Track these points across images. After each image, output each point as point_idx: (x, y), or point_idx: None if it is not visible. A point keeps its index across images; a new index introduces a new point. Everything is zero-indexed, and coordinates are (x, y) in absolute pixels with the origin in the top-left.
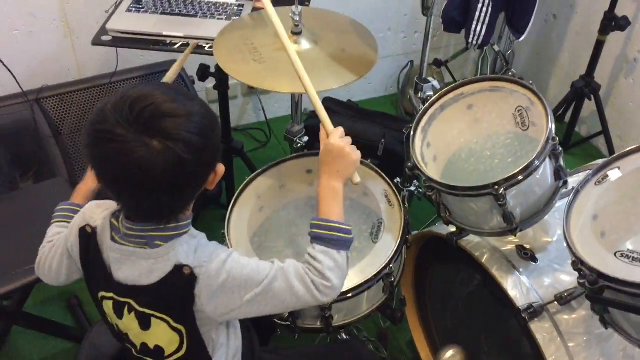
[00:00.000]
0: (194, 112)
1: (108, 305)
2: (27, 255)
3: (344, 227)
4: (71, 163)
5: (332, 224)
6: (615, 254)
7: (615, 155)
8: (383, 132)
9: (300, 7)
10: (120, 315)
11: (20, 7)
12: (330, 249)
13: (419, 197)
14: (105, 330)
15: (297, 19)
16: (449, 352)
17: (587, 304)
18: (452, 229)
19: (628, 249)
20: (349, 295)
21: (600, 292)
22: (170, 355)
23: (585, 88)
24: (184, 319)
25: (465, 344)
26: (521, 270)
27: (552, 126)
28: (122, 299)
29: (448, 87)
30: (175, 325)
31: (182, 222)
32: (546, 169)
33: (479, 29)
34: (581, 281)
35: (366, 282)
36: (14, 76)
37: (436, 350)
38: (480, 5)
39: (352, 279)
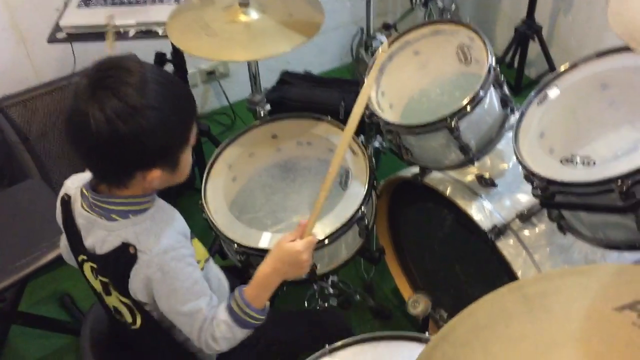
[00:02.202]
0: (142, 111)
1: (87, 268)
2: (14, 253)
3: (257, 318)
4: (43, 166)
5: (250, 311)
6: (560, 161)
7: (551, 75)
8: (342, 96)
9: None
10: (95, 277)
11: None
12: (238, 326)
13: (383, 152)
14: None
15: None
16: (411, 299)
17: (546, 219)
18: (416, 170)
19: (572, 154)
20: (327, 241)
21: (552, 198)
22: (132, 324)
23: (527, 30)
24: (126, 294)
25: (443, 279)
26: (483, 195)
27: (492, 57)
28: (91, 263)
29: (393, 37)
30: (122, 299)
31: (138, 198)
32: (492, 98)
33: None
34: (535, 192)
35: (341, 227)
36: None
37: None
38: None
39: (328, 226)
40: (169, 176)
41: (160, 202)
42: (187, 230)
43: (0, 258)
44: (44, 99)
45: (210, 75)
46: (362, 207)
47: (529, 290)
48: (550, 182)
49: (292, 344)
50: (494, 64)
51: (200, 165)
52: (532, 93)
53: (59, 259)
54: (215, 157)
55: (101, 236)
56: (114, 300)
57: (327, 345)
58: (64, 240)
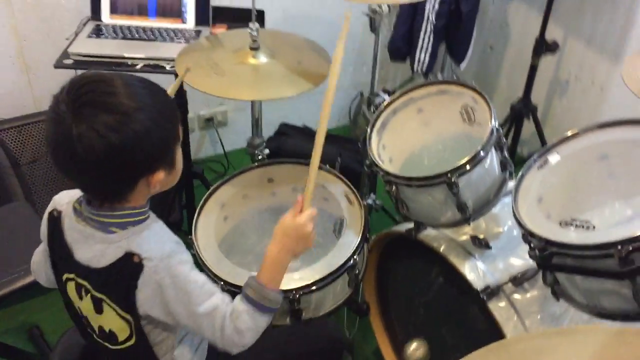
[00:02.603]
0: (133, 115)
1: (71, 287)
2: None
3: (276, 297)
4: (30, 192)
5: (267, 292)
6: (560, 224)
7: (553, 142)
8: (339, 151)
9: (257, 24)
10: (80, 297)
11: None
12: (257, 312)
13: (376, 209)
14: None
15: (255, 34)
16: (413, 345)
17: (539, 285)
18: (410, 225)
19: (571, 218)
20: (316, 287)
21: (549, 259)
22: (124, 342)
23: (523, 109)
24: (129, 308)
25: (429, 341)
26: (477, 256)
27: (495, 120)
28: (80, 280)
29: (398, 93)
30: (123, 314)
31: (135, 209)
32: (493, 160)
33: (422, 56)
34: (532, 253)
35: (332, 273)
36: None
37: (401, 355)
38: (422, 34)
39: (319, 272)
40: (168, 177)
41: (152, 214)
42: (179, 239)
43: None
44: (39, 127)
45: (208, 122)
46: (355, 256)
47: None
48: (548, 243)
49: None
50: (496, 126)
51: (189, 208)
52: (534, 157)
53: (33, 288)
54: (208, 194)
55: (99, 249)
56: (105, 319)
57: None
58: (39, 259)
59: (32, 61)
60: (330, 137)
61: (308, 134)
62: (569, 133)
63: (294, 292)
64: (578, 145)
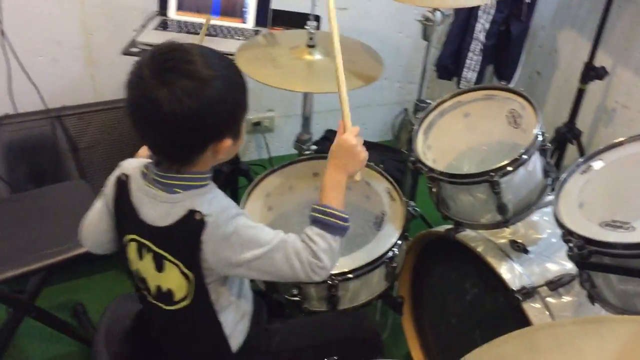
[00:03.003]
0: (210, 82)
1: (132, 248)
2: (45, 243)
3: (342, 215)
4: (85, 175)
5: (332, 211)
6: (599, 225)
7: (598, 149)
8: (382, 159)
9: (315, 22)
10: (140, 257)
11: (48, 34)
12: (327, 233)
13: (415, 215)
14: (124, 301)
15: (313, 32)
16: None
17: (574, 291)
18: (449, 226)
19: (612, 219)
20: (353, 275)
21: (587, 257)
22: (179, 301)
23: (568, 133)
24: (191, 264)
25: (460, 346)
26: (514, 258)
27: (542, 125)
28: (143, 240)
29: (446, 96)
30: (185, 270)
31: (198, 174)
32: (536, 164)
33: (469, 75)
34: (570, 253)
35: (370, 262)
36: (40, 94)
37: None
38: (471, 54)
39: (358, 261)
40: (233, 146)
41: (212, 182)
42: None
43: (32, 246)
44: (98, 115)
45: (256, 126)
46: (394, 248)
47: (562, 330)
48: (587, 242)
49: (314, 349)
50: (542, 131)
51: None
52: (577, 162)
53: (79, 268)
54: (255, 183)
55: (164, 209)
56: (164, 277)
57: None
58: (92, 220)
59: (96, 54)
60: (373, 145)
61: None
62: (615, 141)
63: (332, 278)
64: (622, 153)
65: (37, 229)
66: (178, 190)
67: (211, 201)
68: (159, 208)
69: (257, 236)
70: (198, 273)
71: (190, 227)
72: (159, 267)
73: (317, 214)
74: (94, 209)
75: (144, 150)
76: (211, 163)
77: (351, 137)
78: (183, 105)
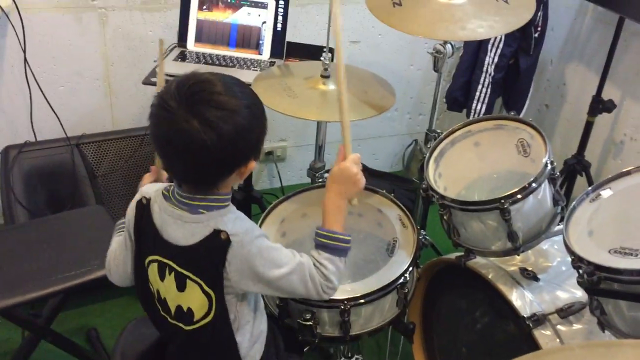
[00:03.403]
0: (238, 110)
1: (153, 269)
2: (63, 266)
3: (345, 237)
4: (102, 201)
5: (337, 235)
6: (609, 252)
7: (607, 177)
8: (392, 188)
9: (330, 54)
10: (162, 277)
11: (70, 65)
12: (335, 256)
13: (425, 244)
14: (139, 325)
15: (327, 63)
16: None
17: (585, 319)
18: (460, 254)
19: (621, 247)
20: (365, 300)
21: (597, 284)
22: (199, 320)
23: (577, 165)
24: (214, 283)
25: None
26: (524, 286)
27: (551, 154)
28: (165, 260)
29: (457, 125)
30: (206, 289)
31: (221, 195)
32: (546, 192)
33: (479, 107)
34: (580, 280)
35: (382, 288)
36: (60, 122)
37: None
38: (480, 87)
39: (370, 286)
40: (255, 166)
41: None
42: None
43: (50, 269)
44: (116, 143)
45: (268, 155)
46: (406, 274)
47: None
48: (597, 268)
49: None
50: (551, 160)
51: None
52: (587, 190)
53: (93, 295)
54: (270, 208)
55: (189, 229)
56: (185, 296)
57: None
58: (116, 252)
59: (115, 85)
60: (384, 174)
61: (363, 170)
62: (623, 170)
63: (345, 302)
64: (631, 182)
65: (55, 253)
66: (202, 211)
67: (235, 221)
68: (184, 228)
69: (278, 258)
70: (219, 291)
71: (216, 246)
72: (181, 287)
73: (323, 240)
74: (115, 242)
75: (150, 177)
76: (233, 184)
77: (353, 165)
78: (215, 135)
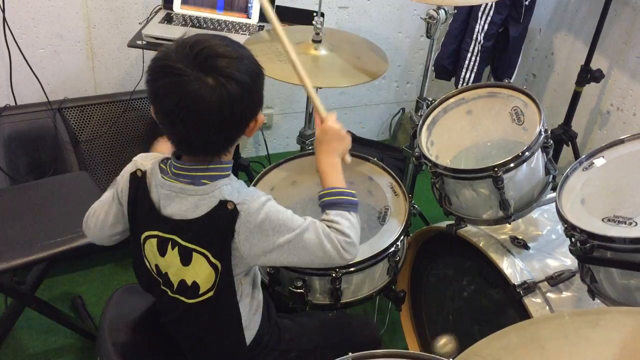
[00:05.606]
0: (244, 56)
1: (151, 244)
2: (47, 234)
3: (350, 191)
4: (85, 167)
5: (340, 190)
6: (602, 220)
7: (600, 146)
8: (381, 156)
9: (322, 18)
10: (163, 253)
11: (50, 27)
12: (344, 210)
13: (414, 213)
14: (126, 293)
15: (320, 27)
16: (442, 340)
17: (574, 287)
18: (451, 222)
19: (614, 215)
20: (356, 268)
21: (590, 252)
22: (204, 293)
23: (563, 135)
24: (221, 254)
25: (460, 339)
26: (515, 254)
27: (544, 122)
28: (166, 235)
29: (450, 92)
30: (213, 260)
31: (224, 164)
32: (539, 161)
33: (467, 75)
34: (572, 247)
35: (374, 256)
36: (41, 86)
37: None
38: (469, 55)
39: (361, 254)
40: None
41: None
42: None
43: (34, 236)
44: (100, 108)
45: None
46: (397, 243)
47: (563, 321)
48: (590, 236)
49: (321, 350)
50: (544, 128)
51: None
52: (580, 159)
53: (78, 261)
54: (260, 176)
55: (192, 201)
56: (190, 270)
57: (350, 354)
58: (99, 211)
59: (97, 48)
60: (372, 143)
61: (357, 140)
62: (616, 139)
63: (336, 269)
64: (624, 151)
65: (38, 220)
66: (205, 181)
67: (239, 190)
68: (186, 201)
69: (288, 220)
70: (226, 263)
71: (223, 217)
72: (186, 261)
73: (327, 198)
74: (101, 201)
75: (162, 146)
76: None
77: (333, 123)
78: (233, 84)
